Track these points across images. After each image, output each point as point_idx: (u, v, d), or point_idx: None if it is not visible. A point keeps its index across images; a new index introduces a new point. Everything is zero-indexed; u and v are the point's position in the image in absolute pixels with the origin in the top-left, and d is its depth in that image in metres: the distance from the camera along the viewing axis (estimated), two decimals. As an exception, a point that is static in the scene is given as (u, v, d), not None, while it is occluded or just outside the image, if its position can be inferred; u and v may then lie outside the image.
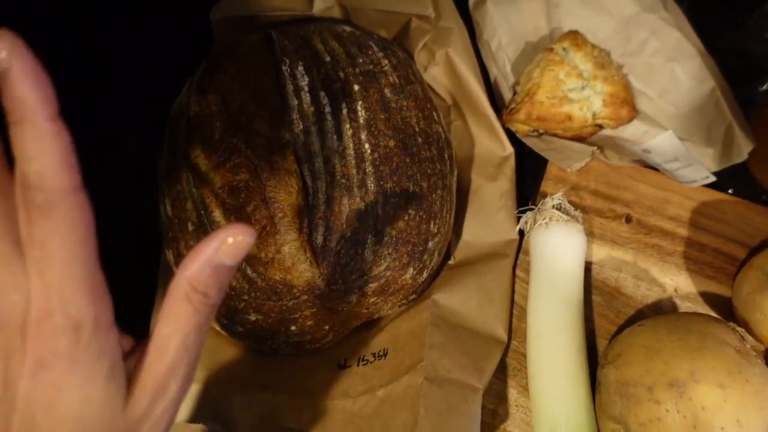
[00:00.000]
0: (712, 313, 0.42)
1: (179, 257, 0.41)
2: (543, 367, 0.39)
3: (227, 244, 0.23)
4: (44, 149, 0.20)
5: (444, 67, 0.47)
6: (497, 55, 0.51)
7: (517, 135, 0.49)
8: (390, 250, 0.39)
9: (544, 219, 0.41)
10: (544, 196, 0.43)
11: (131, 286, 0.46)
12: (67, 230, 0.21)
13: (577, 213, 0.42)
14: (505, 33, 0.51)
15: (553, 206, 0.42)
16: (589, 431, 0.37)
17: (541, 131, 0.48)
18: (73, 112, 0.47)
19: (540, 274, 0.41)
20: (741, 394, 0.32)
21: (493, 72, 0.52)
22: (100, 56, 0.51)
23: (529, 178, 0.49)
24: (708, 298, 0.43)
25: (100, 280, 0.22)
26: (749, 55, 0.53)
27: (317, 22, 0.46)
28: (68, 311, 0.21)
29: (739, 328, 0.36)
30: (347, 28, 0.45)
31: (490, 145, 0.47)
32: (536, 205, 0.43)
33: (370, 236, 0.38)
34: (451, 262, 0.45)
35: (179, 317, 0.23)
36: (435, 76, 0.48)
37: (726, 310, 0.42)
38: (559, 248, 0.41)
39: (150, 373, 0.23)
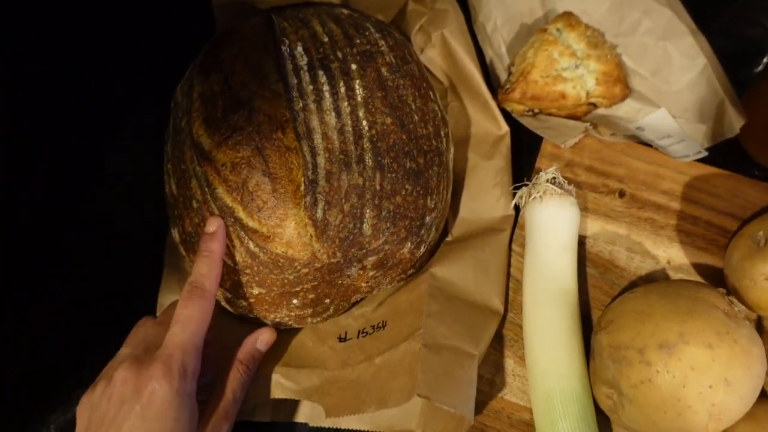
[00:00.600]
0: (705, 284, 0.43)
1: (184, 234, 0.42)
2: (538, 336, 0.40)
3: (261, 336, 0.41)
4: (213, 271, 0.38)
5: (440, 48, 0.48)
6: (493, 37, 0.52)
7: (513, 114, 0.50)
8: (388, 224, 0.40)
9: (538, 193, 0.42)
10: (539, 172, 0.45)
11: (140, 266, 0.47)
12: (202, 313, 0.37)
13: (571, 187, 0.43)
14: (500, 15, 0.52)
15: (547, 180, 0.43)
16: (584, 397, 0.38)
17: (536, 110, 0.49)
18: (76, 105, 0.49)
19: (535, 246, 0.42)
20: (729, 354, 0.33)
21: (489, 54, 0.53)
22: (100, 55, 0.52)
23: (525, 157, 0.50)
24: (700, 269, 0.44)
25: (201, 352, 0.36)
26: (743, 38, 0.54)
27: (316, 6, 0.47)
28: (183, 358, 0.35)
29: (729, 297, 0.37)
30: (345, 11, 0.46)
31: (486, 125, 0.48)
32: (531, 181, 0.44)
33: (368, 210, 0.39)
34: (448, 238, 0.46)
35: (232, 381, 0.39)
36: (431, 57, 0.49)
37: (717, 280, 0.43)
38: (553, 220, 0.42)
39: (212, 415, 0.37)
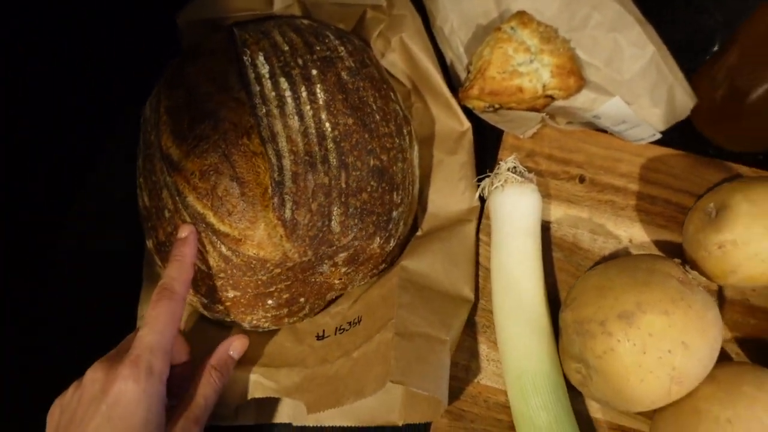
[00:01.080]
0: (666, 260, 0.45)
1: (159, 245, 0.43)
2: (507, 320, 0.42)
3: (234, 343, 0.42)
4: (183, 274, 0.39)
5: (400, 52, 0.50)
6: (451, 38, 0.54)
7: (475, 111, 0.52)
8: (356, 220, 0.41)
9: (499, 182, 0.44)
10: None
11: (120, 278, 0.48)
12: (169, 315, 0.37)
13: (531, 174, 0.45)
14: (457, 18, 0.54)
15: (508, 169, 0.44)
16: (553, 374, 0.39)
17: (497, 106, 0.51)
18: (76, 105, 0.49)
19: (499, 234, 0.44)
20: (684, 319, 0.35)
21: (449, 55, 0.55)
22: (100, 55, 0.52)
23: (489, 152, 0.51)
24: (661, 245, 0.46)
25: (170, 353, 0.36)
26: (694, 27, 0.57)
27: (277, 19, 0.49)
28: (150, 358, 0.35)
29: (684, 266, 0.38)
30: (305, 21, 0.48)
31: (449, 122, 0.50)
32: (493, 172, 0.46)
33: (335, 208, 0.41)
34: (419, 233, 0.47)
35: (204, 386, 0.39)
36: (393, 61, 0.51)
37: (678, 255, 0.45)
38: (516, 206, 0.43)
39: (181, 419, 0.37)
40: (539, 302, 0.42)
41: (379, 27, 0.50)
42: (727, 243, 0.39)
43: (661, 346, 0.35)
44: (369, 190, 0.42)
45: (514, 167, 0.44)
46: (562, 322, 0.40)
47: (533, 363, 0.40)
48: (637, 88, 0.51)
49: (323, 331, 0.45)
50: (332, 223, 0.41)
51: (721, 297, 0.44)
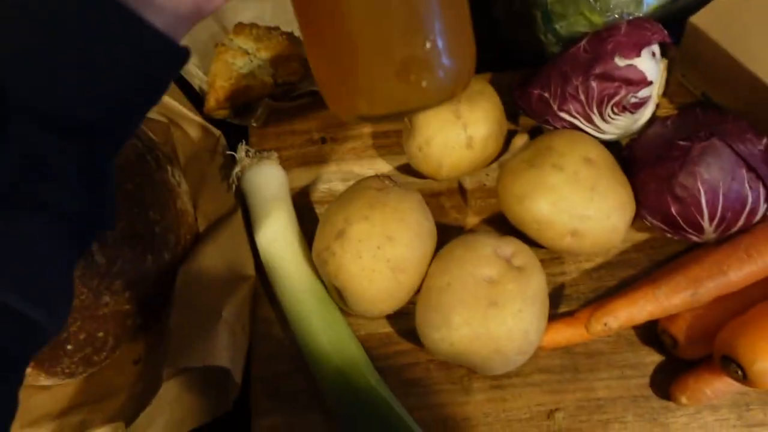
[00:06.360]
0: (409, 179, 0.51)
1: None
2: (277, 277, 0.46)
3: None
4: None
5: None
6: (191, 70, 0.60)
7: (228, 120, 0.57)
8: (118, 248, 0.46)
9: (237, 169, 0.49)
10: (246, 154, 0.52)
11: None
12: None
13: (268, 152, 0.50)
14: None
15: (245, 155, 0.50)
16: (321, 307, 0.44)
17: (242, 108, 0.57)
18: None
19: (254, 207, 0.49)
20: (382, 217, 0.40)
21: (196, 82, 0.60)
22: None
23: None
24: (402, 169, 0.51)
25: None
26: None
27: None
28: None
29: (382, 176, 0.44)
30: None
31: (203, 136, 0.55)
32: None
33: (94, 243, 0.45)
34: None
35: None
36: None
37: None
38: (261, 183, 0.49)
39: None
40: (300, 252, 0.46)
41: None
42: (422, 144, 0.45)
43: (370, 245, 0.40)
44: (123, 217, 0.46)
45: (247, 151, 0.50)
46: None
47: (305, 306, 0.44)
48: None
49: (139, 355, 0.48)
50: (95, 257, 0.45)
51: (462, 190, 0.50)
